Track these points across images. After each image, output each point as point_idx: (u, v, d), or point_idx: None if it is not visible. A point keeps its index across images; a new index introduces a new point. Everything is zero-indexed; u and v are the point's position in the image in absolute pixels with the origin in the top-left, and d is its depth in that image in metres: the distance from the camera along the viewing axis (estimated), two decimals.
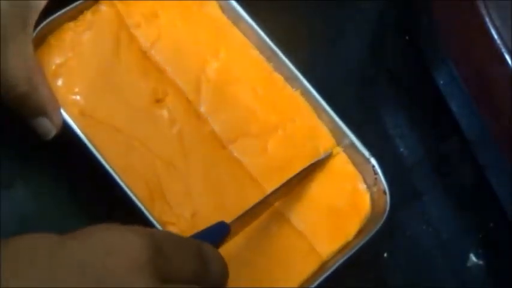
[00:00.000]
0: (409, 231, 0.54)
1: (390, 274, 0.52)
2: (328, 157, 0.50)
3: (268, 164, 0.49)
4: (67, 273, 0.31)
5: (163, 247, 0.33)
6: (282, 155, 0.50)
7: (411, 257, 0.53)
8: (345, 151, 0.51)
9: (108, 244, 0.32)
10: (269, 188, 0.48)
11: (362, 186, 0.50)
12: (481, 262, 0.54)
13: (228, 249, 0.45)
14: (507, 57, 0.46)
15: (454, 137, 0.55)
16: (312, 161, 0.49)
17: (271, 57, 0.51)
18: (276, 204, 0.49)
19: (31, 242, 0.32)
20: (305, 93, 0.51)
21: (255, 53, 0.52)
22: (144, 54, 0.50)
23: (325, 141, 0.51)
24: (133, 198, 0.44)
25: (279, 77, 0.52)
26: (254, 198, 0.47)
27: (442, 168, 0.56)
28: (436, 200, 0.55)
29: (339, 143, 0.51)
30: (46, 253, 0.32)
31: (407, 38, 0.59)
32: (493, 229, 0.55)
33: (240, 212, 0.44)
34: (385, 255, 0.52)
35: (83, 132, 0.45)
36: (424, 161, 0.56)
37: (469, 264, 0.54)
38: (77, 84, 0.47)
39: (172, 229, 0.45)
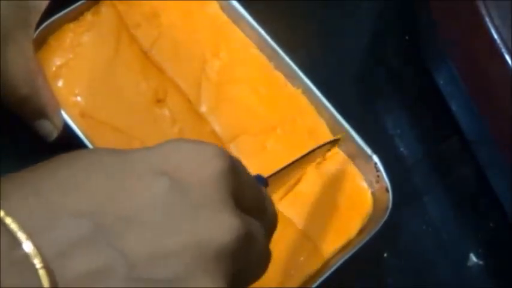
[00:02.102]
0: (409, 231, 0.54)
1: (390, 274, 0.53)
2: (338, 141, 0.50)
3: (268, 162, 0.49)
4: (142, 182, 0.27)
5: (238, 165, 0.31)
6: (282, 154, 0.50)
7: (411, 257, 0.53)
8: (345, 149, 0.51)
9: (186, 151, 0.29)
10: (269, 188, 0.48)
11: (363, 184, 0.50)
12: (481, 262, 0.54)
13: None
14: (507, 57, 0.46)
15: (454, 137, 0.55)
16: (325, 141, 0.49)
17: (271, 56, 0.52)
18: (278, 204, 0.49)
19: (90, 153, 0.29)
20: (306, 91, 0.51)
21: (256, 52, 0.52)
22: (145, 55, 0.50)
23: (324, 139, 0.51)
24: None
25: (279, 76, 0.52)
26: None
27: (442, 168, 0.56)
28: (436, 200, 0.55)
29: (339, 141, 0.51)
30: (113, 162, 0.28)
31: (407, 38, 0.59)
32: (493, 229, 0.55)
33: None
34: (385, 255, 0.53)
35: (83, 133, 0.45)
36: (424, 161, 0.56)
37: (469, 264, 0.54)
38: (77, 85, 0.47)
39: None
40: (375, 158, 0.49)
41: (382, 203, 0.49)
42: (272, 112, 0.51)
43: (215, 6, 0.52)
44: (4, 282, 0.24)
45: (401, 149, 0.56)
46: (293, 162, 0.45)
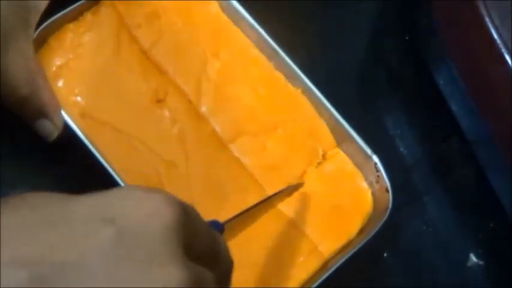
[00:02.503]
0: (409, 231, 0.54)
1: (390, 274, 0.53)
2: (301, 185, 0.49)
3: (268, 162, 0.49)
4: (86, 229, 0.26)
5: (190, 212, 0.30)
6: (282, 154, 0.50)
7: (411, 257, 0.53)
8: (345, 149, 0.51)
9: (134, 199, 0.28)
10: (268, 187, 0.49)
11: (363, 185, 0.50)
12: (481, 262, 0.54)
13: (229, 248, 0.46)
14: (507, 57, 0.46)
15: (454, 137, 0.55)
16: (285, 187, 0.48)
17: (271, 56, 0.52)
18: (278, 204, 0.49)
19: (36, 198, 0.28)
20: (306, 91, 0.51)
21: (256, 52, 0.52)
22: (145, 55, 0.50)
23: (325, 140, 0.51)
24: None
25: (280, 76, 0.52)
26: (254, 197, 0.47)
27: (442, 168, 0.56)
28: (436, 200, 0.55)
29: (339, 142, 0.51)
30: (57, 209, 0.27)
31: (407, 37, 0.59)
32: (493, 229, 0.55)
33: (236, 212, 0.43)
34: (385, 255, 0.53)
35: (83, 133, 0.45)
36: (424, 161, 0.56)
37: (469, 264, 0.54)
38: (77, 85, 0.47)
39: None
40: (375, 158, 0.49)
41: (382, 203, 0.49)
42: (272, 112, 0.51)
43: (215, 6, 0.52)
44: None
45: (401, 149, 0.56)
46: (251, 208, 0.45)
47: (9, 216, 0.26)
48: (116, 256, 0.26)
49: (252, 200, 0.46)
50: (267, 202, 0.46)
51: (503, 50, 0.46)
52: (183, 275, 0.27)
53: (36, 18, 0.44)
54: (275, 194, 0.47)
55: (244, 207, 0.44)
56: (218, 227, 0.39)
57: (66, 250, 0.26)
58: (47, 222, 0.26)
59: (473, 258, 0.54)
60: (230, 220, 0.41)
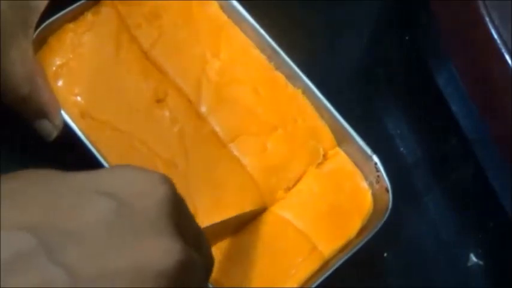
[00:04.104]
0: (409, 231, 0.54)
1: (390, 274, 0.53)
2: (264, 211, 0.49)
3: (268, 163, 0.49)
4: (85, 200, 0.27)
5: (179, 195, 0.31)
6: (282, 154, 0.50)
7: (411, 256, 0.53)
8: (345, 149, 0.51)
9: (131, 175, 0.29)
10: (268, 187, 0.48)
11: (363, 185, 0.50)
12: (481, 262, 0.54)
13: (229, 248, 0.46)
14: (507, 57, 0.46)
15: (454, 137, 0.55)
16: (246, 211, 0.48)
17: (272, 56, 0.52)
18: (278, 204, 0.49)
19: (35, 173, 0.28)
20: (306, 91, 0.51)
21: (256, 52, 0.52)
22: (145, 55, 0.50)
23: (325, 140, 0.51)
24: None
25: (280, 76, 0.52)
26: (254, 197, 0.47)
27: (442, 168, 0.56)
28: (436, 200, 0.55)
29: (339, 142, 0.51)
30: (57, 181, 0.28)
31: (407, 38, 0.59)
32: (493, 229, 0.55)
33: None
34: (385, 255, 0.53)
35: (83, 133, 0.45)
36: (424, 161, 0.56)
37: (469, 264, 0.54)
38: (77, 85, 0.47)
39: None
40: (375, 158, 0.49)
41: (382, 203, 0.49)
42: (272, 112, 0.51)
43: (215, 6, 0.52)
44: None
45: (401, 149, 0.56)
46: (225, 221, 0.45)
47: (10, 183, 0.27)
48: (114, 227, 0.27)
49: (252, 199, 0.47)
50: (240, 218, 0.46)
51: (503, 50, 0.46)
52: (176, 246, 0.28)
53: (36, 18, 0.44)
54: (248, 212, 0.47)
55: (243, 206, 0.44)
56: None
57: (66, 219, 0.26)
58: (47, 193, 0.27)
59: (473, 258, 0.54)
60: (206, 228, 0.41)
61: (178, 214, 0.30)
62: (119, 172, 0.30)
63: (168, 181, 0.30)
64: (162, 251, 0.27)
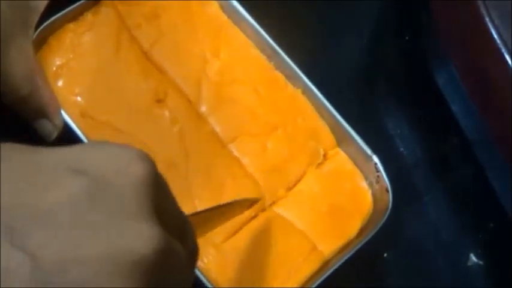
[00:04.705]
0: (409, 231, 0.54)
1: (390, 274, 0.53)
2: (259, 200, 0.48)
3: (268, 163, 0.49)
4: (56, 178, 0.25)
5: (160, 176, 0.28)
6: (282, 154, 0.50)
7: (411, 256, 0.53)
8: (345, 149, 0.51)
9: (107, 152, 0.26)
10: (268, 188, 0.48)
11: (363, 185, 0.50)
12: (481, 262, 0.54)
13: (230, 249, 0.46)
14: (507, 57, 0.46)
15: (454, 137, 0.55)
16: (248, 198, 0.46)
17: (272, 56, 0.52)
18: (278, 204, 0.49)
19: (6, 149, 0.26)
20: (306, 91, 0.51)
21: (256, 52, 0.52)
22: (145, 55, 0.50)
23: (325, 140, 0.51)
24: None
25: (280, 76, 0.52)
26: (253, 197, 0.47)
27: (442, 168, 0.56)
28: (436, 200, 0.55)
29: (339, 142, 0.51)
30: (26, 158, 0.25)
31: (407, 38, 0.59)
32: (493, 229, 0.55)
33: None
34: (385, 255, 0.53)
35: (83, 133, 0.45)
36: (424, 161, 0.56)
37: (469, 264, 0.54)
38: (77, 85, 0.47)
39: None
40: (375, 158, 0.49)
41: (382, 203, 0.49)
42: (272, 112, 0.51)
43: (215, 6, 0.52)
44: None
45: (401, 149, 0.56)
46: (212, 209, 0.41)
47: None
48: (84, 208, 0.24)
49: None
50: (227, 210, 0.43)
51: (503, 50, 0.46)
52: (154, 233, 0.25)
53: (36, 18, 0.44)
54: (235, 203, 0.44)
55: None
56: None
57: (35, 199, 0.24)
58: (15, 171, 0.25)
59: (473, 258, 0.54)
60: (194, 215, 0.38)
61: (159, 196, 0.27)
62: (93, 148, 0.27)
63: (147, 159, 0.27)
64: (139, 238, 0.25)
